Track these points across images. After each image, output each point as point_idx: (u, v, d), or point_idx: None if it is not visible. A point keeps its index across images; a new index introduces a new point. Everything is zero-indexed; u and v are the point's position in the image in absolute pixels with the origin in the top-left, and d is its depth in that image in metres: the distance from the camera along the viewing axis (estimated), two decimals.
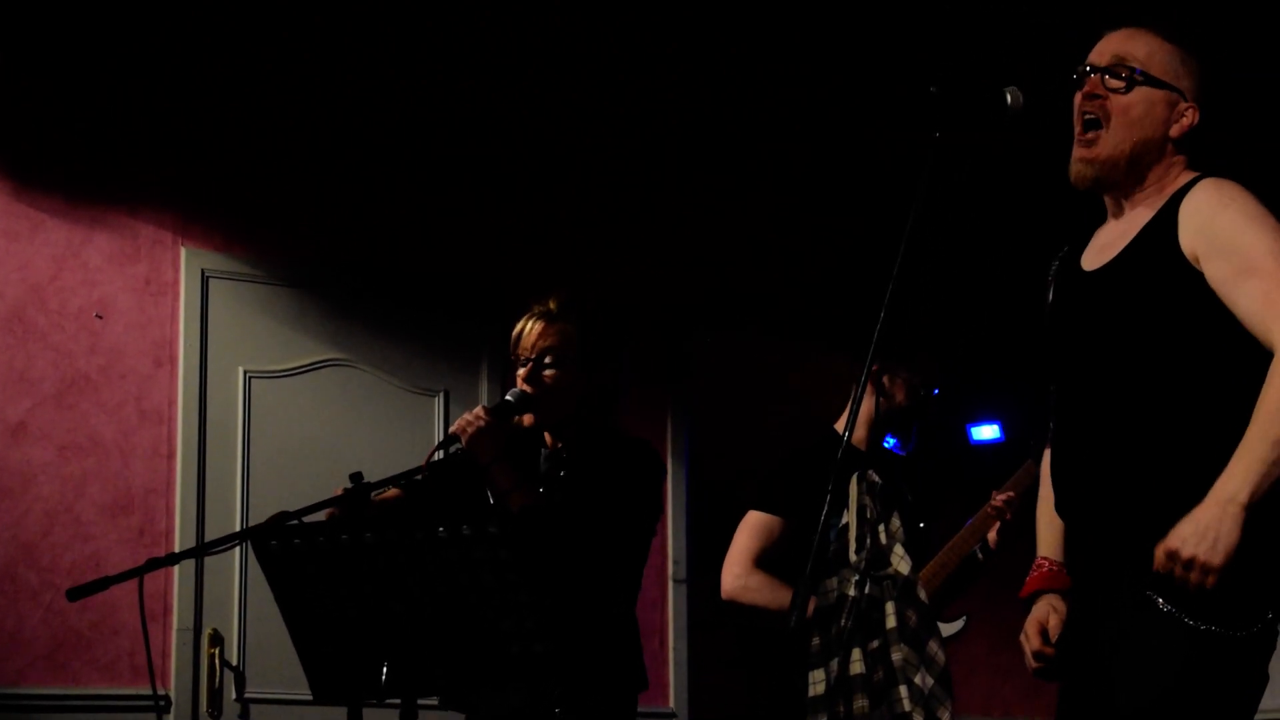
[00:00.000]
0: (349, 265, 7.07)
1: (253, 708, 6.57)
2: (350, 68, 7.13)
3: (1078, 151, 3.71)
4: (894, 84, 8.07)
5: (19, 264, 6.44)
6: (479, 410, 4.53)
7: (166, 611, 6.47)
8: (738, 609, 5.62)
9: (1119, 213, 3.74)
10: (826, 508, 3.53)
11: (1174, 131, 3.69)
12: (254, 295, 6.84)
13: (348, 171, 7.08)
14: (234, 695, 6.53)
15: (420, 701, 3.89)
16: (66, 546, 6.36)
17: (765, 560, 5.58)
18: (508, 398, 4.57)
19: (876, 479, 5.41)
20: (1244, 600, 3.37)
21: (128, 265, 6.61)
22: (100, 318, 6.53)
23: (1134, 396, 3.54)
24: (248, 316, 6.81)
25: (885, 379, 5.73)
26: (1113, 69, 3.70)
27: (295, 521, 3.98)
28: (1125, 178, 3.69)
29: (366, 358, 7.02)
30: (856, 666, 5.20)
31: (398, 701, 3.86)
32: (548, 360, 4.58)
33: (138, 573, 3.93)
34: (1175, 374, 3.51)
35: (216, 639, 6.50)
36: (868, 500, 5.36)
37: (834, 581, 5.29)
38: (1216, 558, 3.27)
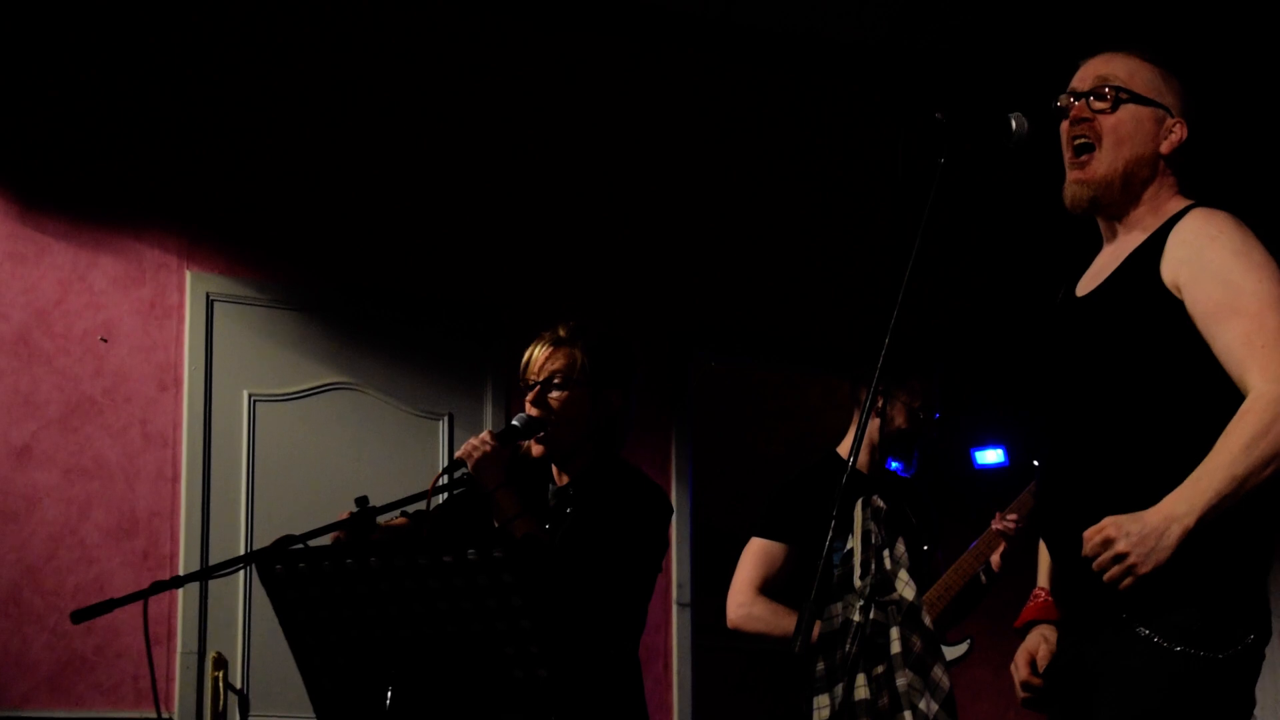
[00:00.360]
0: (353, 289, 7.07)
1: None
2: (355, 93, 7.15)
3: (1072, 174, 3.72)
4: (898, 109, 8.10)
5: (25, 287, 6.45)
6: (485, 435, 4.51)
7: (171, 635, 6.46)
8: (743, 637, 5.63)
9: (1113, 237, 3.75)
10: (831, 532, 3.53)
11: (1164, 148, 3.70)
12: (258, 318, 6.85)
13: (352, 195, 7.09)
14: (238, 719, 6.52)
15: None
16: (71, 570, 6.36)
17: (769, 586, 5.57)
18: (514, 423, 4.56)
19: (881, 504, 5.41)
20: (1222, 622, 3.37)
21: (133, 289, 6.62)
22: (105, 341, 6.54)
23: (1107, 426, 3.54)
24: (252, 340, 6.82)
25: (883, 403, 5.73)
26: (1096, 91, 3.71)
27: (300, 545, 3.97)
28: (1120, 196, 3.69)
29: (371, 381, 7.02)
30: (861, 692, 5.19)
31: None
32: (555, 382, 4.57)
33: (142, 595, 3.93)
34: (1149, 405, 3.51)
35: (221, 662, 6.49)
36: (872, 525, 5.35)
37: (839, 606, 5.28)
38: (1145, 566, 3.30)
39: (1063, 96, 3.75)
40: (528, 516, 4.41)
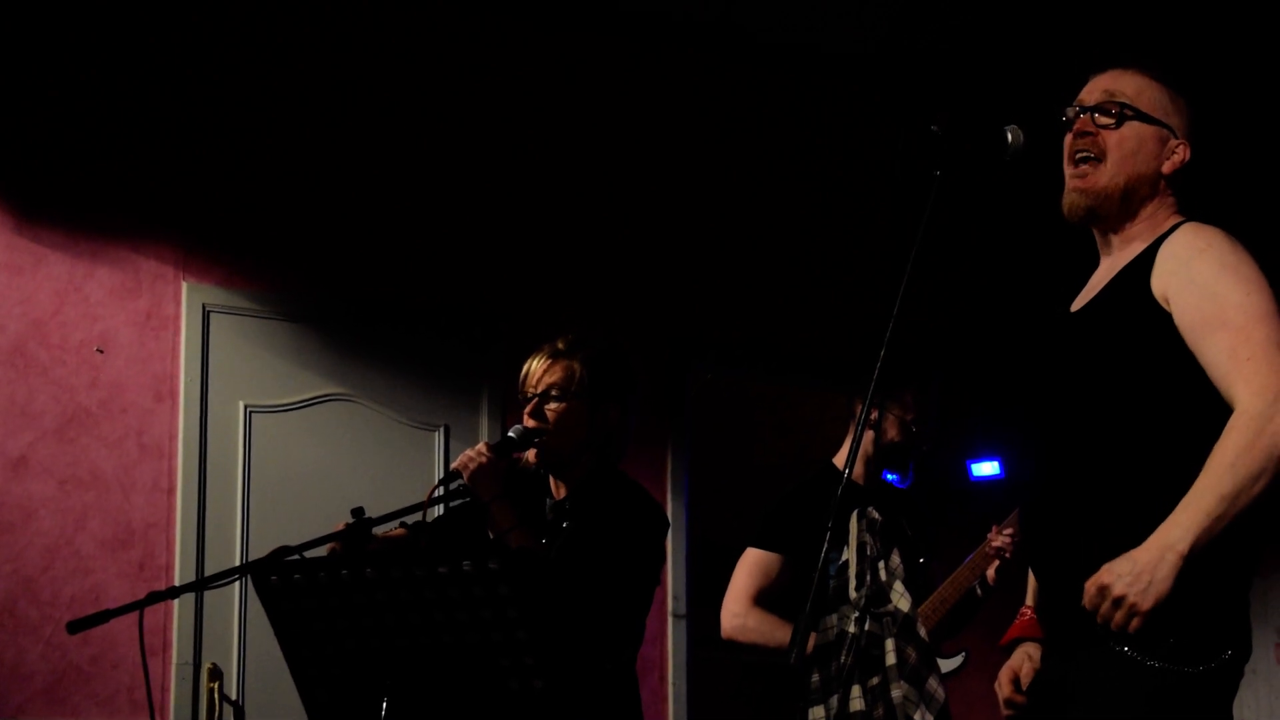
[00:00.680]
0: (349, 300, 7.07)
1: None
2: (352, 105, 7.16)
3: (1072, 182, 3.72)
4: (896, 118, 8.11)
5: (21, 298, 6.45)
6: (481, 446, 4.52)
7: (166, 646, 6.46)
8: (738, 648, 5.63)
9: (1109, 252, 3.75)
10: (826, 544, 3.53)
11: (1166, 168, 3.70)
12: (255, 330, 6.85)
13: (349, 207, 7.10)
14: None
15: None
16: (66, 580, 6.36)
17: (764, 597, 5.57)
18: (510, 434, 4.57)
19: (876, 515, 5.41)
20: (1200, 637, 3.36)
21: (129, 300, 6.62)
22: (101, 352, 6.54)
23: (1094, 442, 3.53)
24: (248, 351, 6.82)
25: (877, 415, 5.74)
26: (1102, 106, 3.72)
27: (295, 556, 3.97)
28: (1118, 211, 3.70)
29: (367, 393, 7.02)
30: (856, 703, 5.19)
31: None
32: (553, 394, 4.57)
33: (137, 606, 3.93)
34: (1137, 420, 3.50)
35: (216, 673, 6.49)
36: (868, 537, 5.36)
37: (834, 618, 5.29)
38: (1146, 602, 3.27)
39: (1069, 109, 3.76)
40: (522, 529, 4.42)
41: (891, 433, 5.75)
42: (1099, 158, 3.69)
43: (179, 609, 6.47)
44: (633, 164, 7.78)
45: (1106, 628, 3.36)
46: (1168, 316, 3.49)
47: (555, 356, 4.64)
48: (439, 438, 7.13)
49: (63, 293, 6.52)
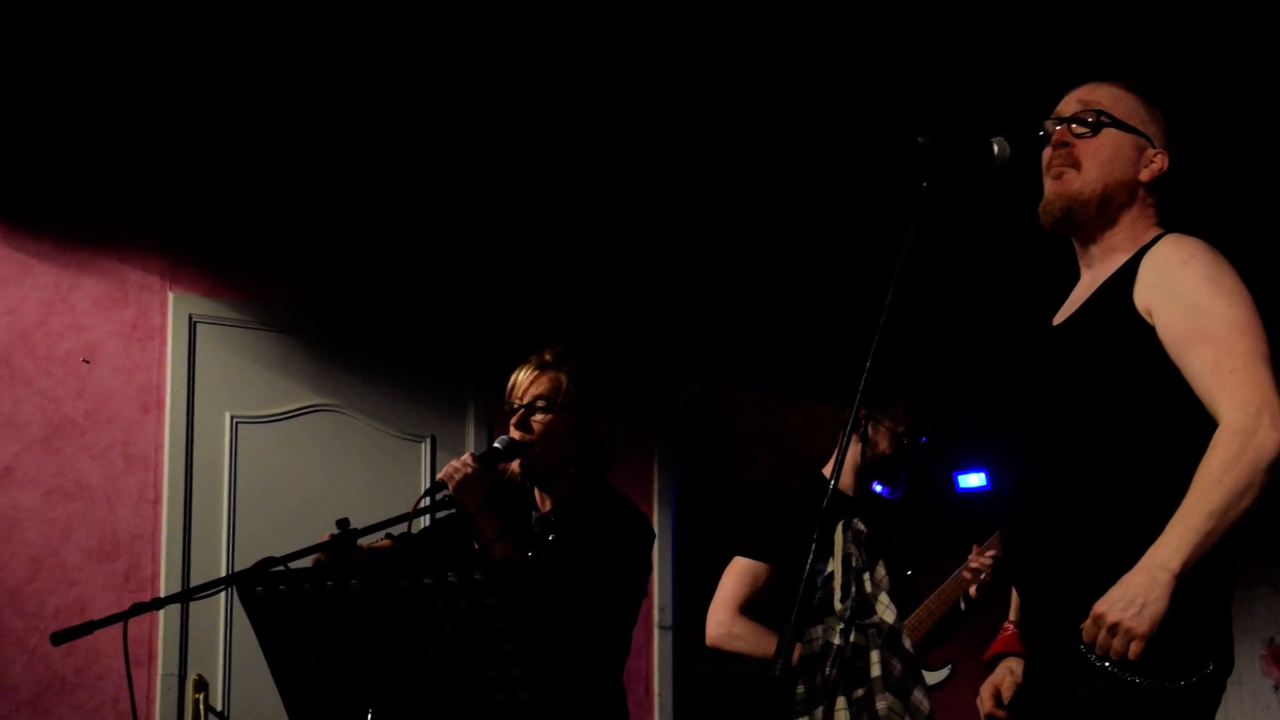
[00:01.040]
0: (336, 311, 7.07)
1: None
2: (338, 115, 7.16)
3: (1050, 186, 3.73)
4: (885, 132, 8.12)
5: (7, 308, 6.44)
6: (466, 457, 4.52)
7: (151, 657, 6.45)
8: (722, 656, 5.62)
9: (1090, 264, 3.75)
10: (812, 555, 3.53)
11: (1144, 175, 3.71)
12: (241, 340, 6.84)
13: (335, 217, 7.09)
14: None
15: None
16: (52, 591, 6.35)
17: (751, 606, 5.57)
18: (496, 445, 4.56)
19: (862, 527, 5.41)
20: (1179, 652, 3.34)
21: (115, 310, 6.61)
22: (87, 362, 6.53)
23: (1077, 456, 3.53)
24: (235, 361, 6.81)
25: (869, 427, 5.74)
26: (1078, 116, 3.73)
27: (281, 567, 3.97)
28: (1096, 216, 3.70)
29: (353, 403, 7.02)
30: (841, 715, 5.18)
31: None
32: (539, 405, 4.57)
33: (123, 617, 3.93)
34: (1120, 434, 3.49)
35: (201, 684, 6.48)
36: (853, 548, 5.35)
37: (819, 629, 5.29)
38: (1142, 625, 3.26)
39: (1046, 122, 3.77)
40: (507, 540, 4.41)
41: (882, 444, 5.75)
42: (1076, 166, 3.70)
43: (164, 620, 6.45)
44: (620, 176, 7.78)
45: (1080, 635, 3.36)
46: (1151, 330, 3.49)
47: (542, 368, 4.63)
48: (425, 449, 7.12)
49: (48, 303, 6.51)
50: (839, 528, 5.37)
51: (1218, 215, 7.78)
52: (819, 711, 5.18)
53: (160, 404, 6.63)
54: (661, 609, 7.45)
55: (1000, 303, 8.18)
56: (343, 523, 4.27)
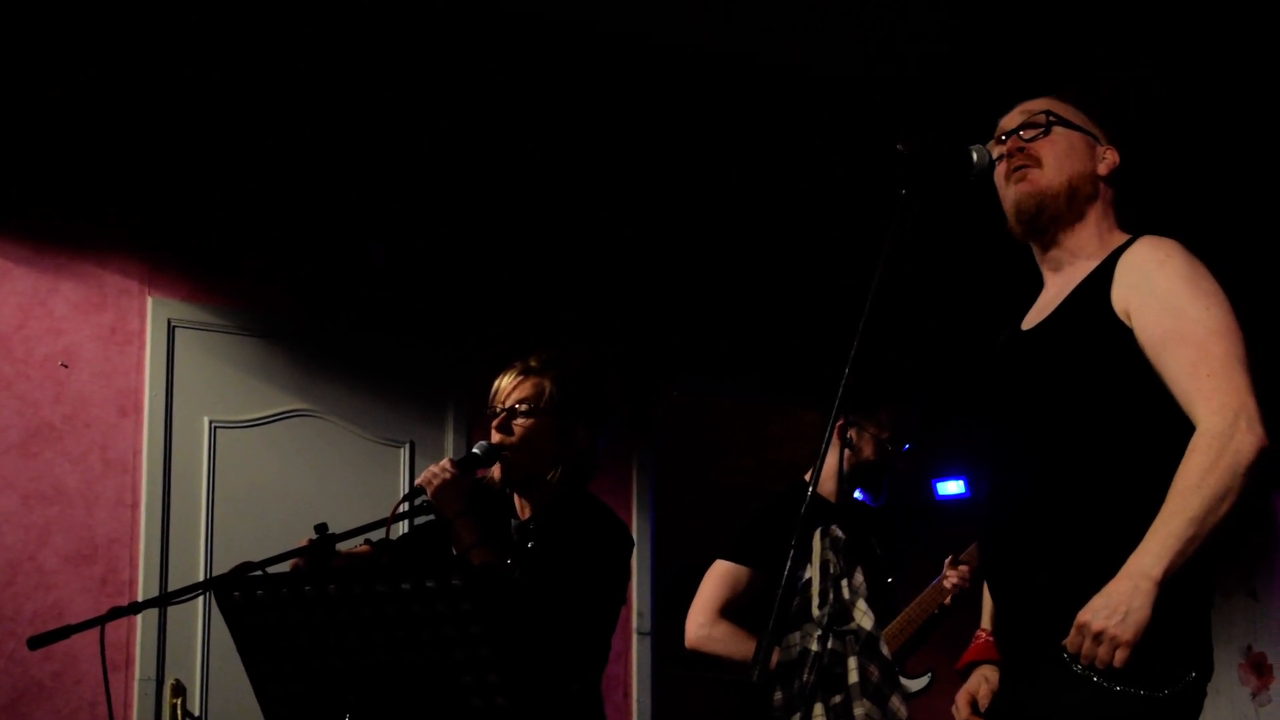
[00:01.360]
0: (315, 316, 7.06)
1: None
2: (315, 118, 7.15)
3: (1017, 189, 3.73)
4: (870, 139, 8.13)
5: None
6: (445, 463, 4.50)
7: (129, 661, 6.43)
8: (701, 658, 5.62)
9: (1057, 269, 3.75)
10: (790, 561, 3.53)
11: (1101, 169, 3.74)
12: (220, 345, 6.83)
13: (315, 223, 7.09)
14: None
15: None
16: (29, 596, 6.33)
17: (731, 610, 5.57)
18: (475, 450, 4.54)
19: (840, 533, 5.41)
20: (1159, 660, 3.33)
21: (94, 314, 6.60)
22: (65, 366, 6.52)
23: (1053, 460, 3.53)
24: (213, 366, 6.80)
25: (853, 434, 5.74)
26: (1027, 122, 3.76)
27: (259, 572, 3.96)
28: (1066, 209, 3.71)
29: (332, 408, 7.01)
30: None
31: None
32: (520, 410, 4.55)
33: (100, 621, 3.92)
34: (1098, 438, 3.49)
35: (179, 689, 6.47)
36: (830, 555, 5.36)
37: (797, 636, 5.29)
38: (1126, 633, 3.25)
39: (990, 145, 3.78)
40: (485, 546, 4.40)
41: (867, 450, 5.76)
42: (1037, 164, 3.71)
43: (142, 624, 6.44)
44: (603, 181, 7.78)
45: (1059, 642, 3.35)
46: (1129, 332, 3.49)
47: (526, 373, 4.62)
48: (404, 454, 7.12)
49: (27, 307, 6.50)
50: (817, 534, 5.38)
51: (1218, 215, 7.83)
52: (797, 718, 5.18)
53: (139, 408, 6.62)
54: (640, 614, 7.45)
55: (984, 308, 8.19)
56: (321, 527, 4.26)
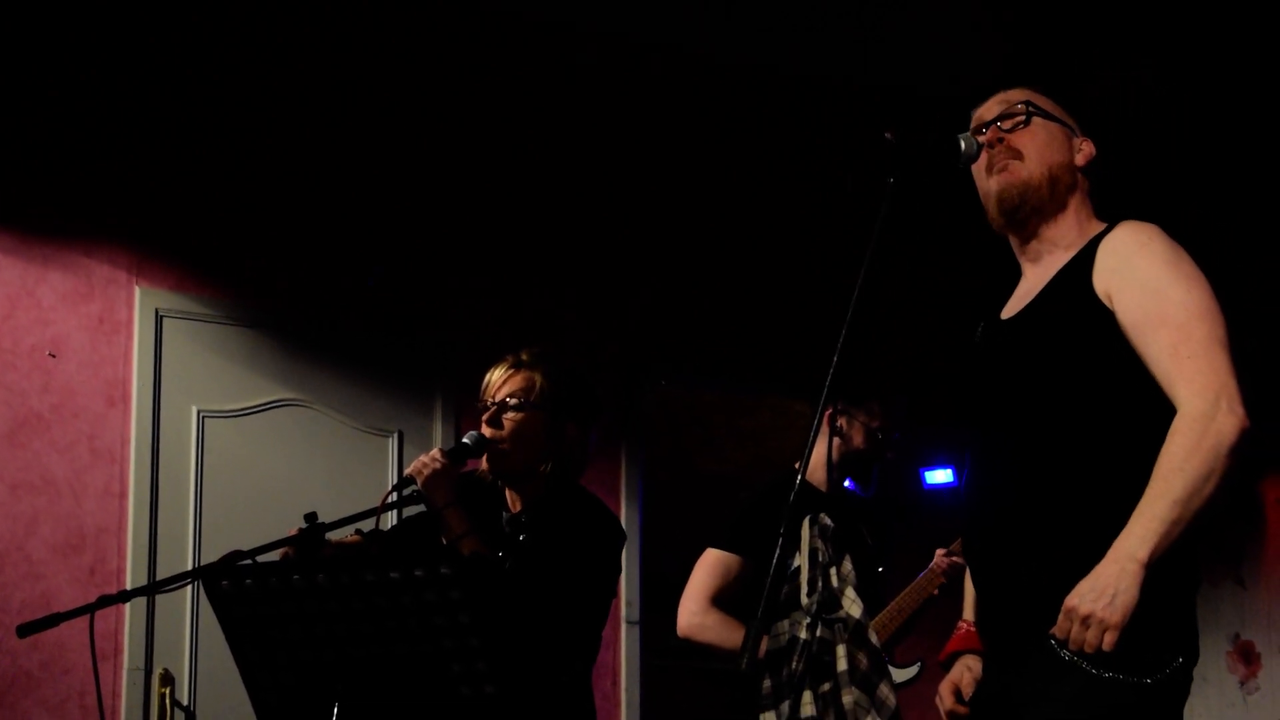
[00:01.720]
0: (303, 305, 7.06)
1: None
2: (305, 111, 7.14)
3: (999, 180, 3.73)
4: (847, 132, 8.13)
5: None
6: (435, 453, 4.51)
7: (117, 651, 6.43)
8: (692, 646, 5.63)
9: (1036, 259, 3.76)
10: (779, 549, 3.53)
11: (1079, 160, 3.76)
12: (208, 335, 6.83)
13: (303, 213, 7.08)
14: None
15: None
16: (16, 585, 6.32)
17: (722, 598, 5.58)
18: (465, 440, 4.55)
19: (829, 522, 5.42)
20: (1146, 647, 3.34)
21: (81, 304, 6.59)
22: (53, 356, 6.51)
23: (1038, 445, 3.53)
24: (202, 356, 6.80)
25: (843, 422, 5.75)
26: (1005, 113, 3.77)
27: (248, 561, 3.96)
28: (1048, 200, 3.71)
29: (320, 398, 7.01)
30: (807, 709, 5.19)
31: None
32: (511, 403, 4.56)
33: (88, 610, 3.92)
34: (1082, 423, 3.49)
35: (168, 679, 6.47)
36: (819, 543, 5.36)
37: (785, 624, 5.29)
38: (1114, 615, 3.25)
39: (968, 136, 3.78)
40: (475, 535, 4.40)
41: (858, 440, 5.77)
42: (1018, 156, 3.72)
43: (130, 614, 6.44)
44: (588, 176, 7.78)
45: (1045, 628, 3.36)
46: (1111, 315, 3.49)
47: (518, 366, 4.63)
48: (393, 443, 7.12)
49: (14, 297, 6.49)
50: (805, 522, 5.38)
51: (1218, 215, 7.84)
52: (785, 706, 5.19)
53: (126, 398, 6.61)
54: (629, 604, 7.45)
55: (972, 298, 8.19)
56: (310, 517, 4.26)
